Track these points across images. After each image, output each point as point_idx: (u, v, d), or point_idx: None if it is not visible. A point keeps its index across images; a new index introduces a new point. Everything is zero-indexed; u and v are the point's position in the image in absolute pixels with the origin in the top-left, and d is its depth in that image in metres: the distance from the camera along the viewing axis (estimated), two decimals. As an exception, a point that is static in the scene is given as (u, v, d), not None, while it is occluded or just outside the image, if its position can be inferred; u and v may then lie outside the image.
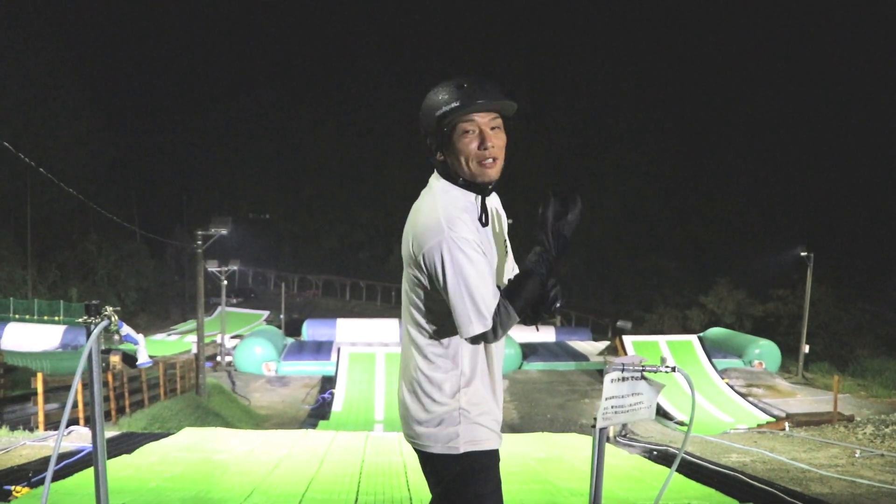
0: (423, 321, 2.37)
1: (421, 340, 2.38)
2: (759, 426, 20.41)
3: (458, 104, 2.28)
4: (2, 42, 45.76)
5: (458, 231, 2.24)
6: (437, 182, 2.43)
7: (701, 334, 34.35)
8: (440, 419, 2.34)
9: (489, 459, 2.42)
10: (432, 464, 2.39)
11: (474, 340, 2.27)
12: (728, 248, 57.90)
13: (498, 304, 2.22)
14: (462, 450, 2.34)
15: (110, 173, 60.78)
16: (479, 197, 2.38)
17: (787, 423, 18.75)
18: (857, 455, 9.18)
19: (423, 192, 2.45)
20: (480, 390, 2.41)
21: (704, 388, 26.23)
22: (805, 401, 25.76)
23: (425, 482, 2.45)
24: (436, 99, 2.32)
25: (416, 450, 2.43)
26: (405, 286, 2.43)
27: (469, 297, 2.20)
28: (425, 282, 2.30)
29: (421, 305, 2.36)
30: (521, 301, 2.24)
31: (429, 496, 2.46)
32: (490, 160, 2.34)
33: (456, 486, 2.35)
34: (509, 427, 22.31)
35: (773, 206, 59.97)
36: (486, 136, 2.33)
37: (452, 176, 2.38)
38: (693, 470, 7.62)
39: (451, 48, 77.37)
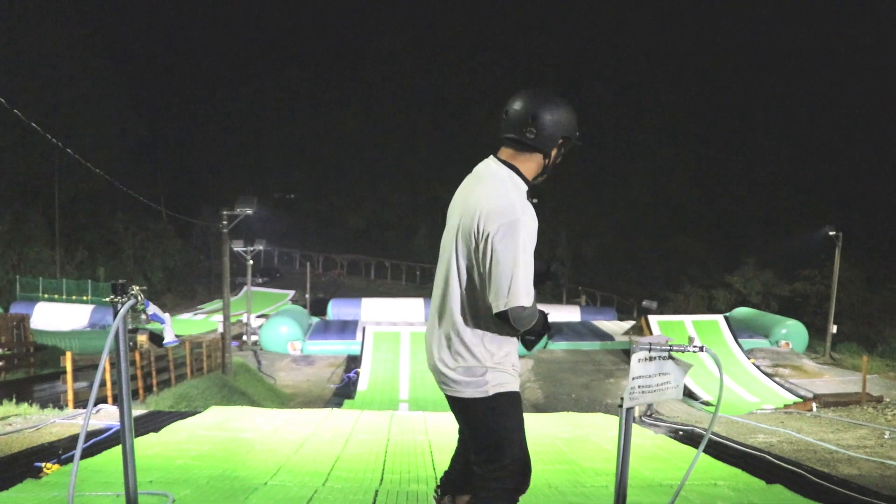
0: (467, 288, 2.78)
1: (462, 304, 2.79)
2: (786, 407, 20.28)
3: (577, 139, 3.00)
4: (30, 21, 46.06)
5: (529, 217, 2.74)
6: (502, 170, 2.89)
7: (727, 314, 34.11)
8: (472, 369, 2.79)
9: (514, 399, 2.89)
10: (464, 406, 2.86)
11: (502, 316, 2.65)
12: (755, 228, 57.38)
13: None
14: (491, 393, 2.81)
15: (137, 153, 61.12)
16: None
17: (814, 404, 18.60)
18: (886, 436, 9.07)
19: (486, 176, 2.91)
20: (504, 345, 2.85)
21: (731, 368, 26.08)
22: (832, 381, 25.52)
23: (450, 461, 2.95)
24: (569, 118, 2.91)
25: (448, 395, 2.88)
26: (454, 255, 2.84)
27: (525, 274, 2.64)
28: (483, 253, 2.67)
29: (472, 275, 2.76)
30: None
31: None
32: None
33: (488, 422, 2.83)
34: (533, 407, 22.32)
35: (802, 185, 59.27)
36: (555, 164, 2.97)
37: (520, 172, 2.90)
38: (719, 450, 7.57)
39: (480, 25, 76.92)
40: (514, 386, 2.90)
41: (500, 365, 2.83)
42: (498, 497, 2.84)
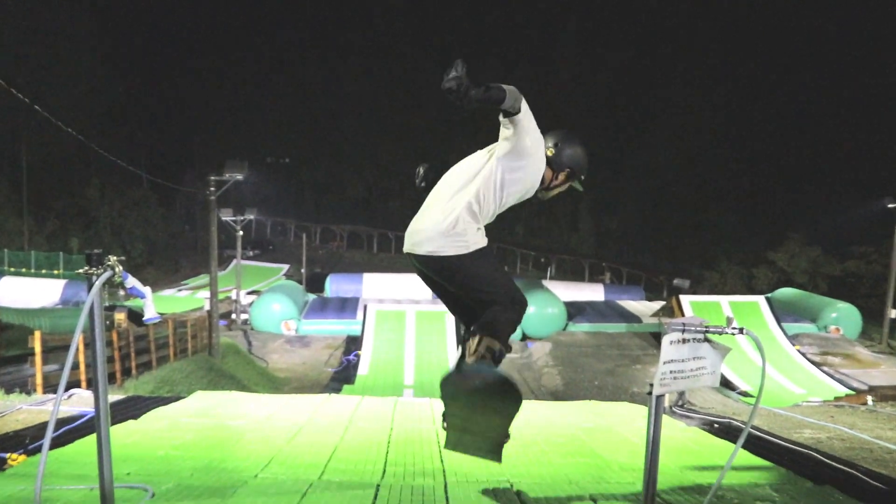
0: (480, 195, 3.93)
1: (471, 203, 3.93)
2: (836, 399, 20.24)
3: (581, 181, 4.28)
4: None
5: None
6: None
7: (769, 295, 33.94)
8: (460, 236, 3.92)
9: (489, 249, 4.02)
10: (449, 264, 3.97)
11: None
12: (801, 199, 56.98)
13: None
14: (471, 248, 3.93)
15: (115, 113, 61.02)
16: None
17: (869, 397, 18.56)
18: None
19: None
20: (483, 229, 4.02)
21: (773, 355, 26.03)
22: (890, 372, 25.37)
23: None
24: (583, 157, 4.23)
25: (433, 258, 4.01)
26: (485, 167, 3.97)
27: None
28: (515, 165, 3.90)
29: (491, 188, 3.94)
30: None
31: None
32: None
33: (474, 269, 3.95)
34: (552, 394, 22.36)
35: (856, 149, 58.60)
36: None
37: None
38: (760, 446, 7.54)
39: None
40: (486, 242, 4.04)
41: (480, 233, 4.00)
42: (507, 308, 3.99)
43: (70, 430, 7.05)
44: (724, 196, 61.32)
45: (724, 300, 32.17)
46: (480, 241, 3.96)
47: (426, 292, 37.35)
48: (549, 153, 4.06)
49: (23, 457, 5.89)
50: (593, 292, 41.35)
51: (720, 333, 3.80)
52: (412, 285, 38.16)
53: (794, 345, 27.74)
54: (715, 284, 45.77)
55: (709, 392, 19.88)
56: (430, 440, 7.41)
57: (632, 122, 68.69)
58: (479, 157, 4.09)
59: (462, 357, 4.17)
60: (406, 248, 4.25)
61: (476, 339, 4.01)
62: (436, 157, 75.06)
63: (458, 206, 3.95)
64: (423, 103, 77.31)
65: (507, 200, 3.99)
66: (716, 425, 9.15)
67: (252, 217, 41.18)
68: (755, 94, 64.45)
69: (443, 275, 4.09)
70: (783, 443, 7.89)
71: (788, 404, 16.26)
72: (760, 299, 31.81)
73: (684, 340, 3.79)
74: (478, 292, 4.02)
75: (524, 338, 30.62)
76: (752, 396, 21.26)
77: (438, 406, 9.62)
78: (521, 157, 3.87)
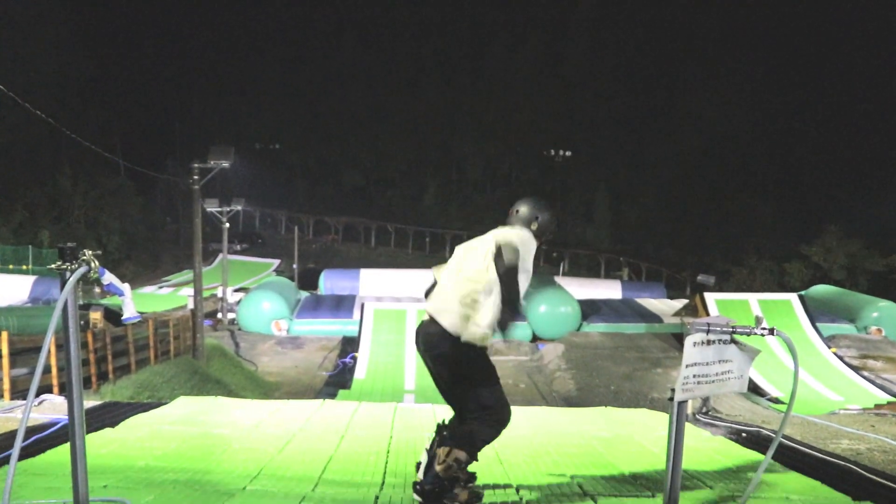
0: (488, 280, 4.98)
1: (480, 292, 4.97)
2: (877, 407, 20.14)
3: (553, 234, 5.69)
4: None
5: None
6: (524, 232, 5.35)
7: (803, 293, 33.89)
8: (478, 327, 4.90)
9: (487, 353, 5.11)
10: (460, 345, 4.88)
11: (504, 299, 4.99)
12: (840, 188, 56.73)
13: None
14: (480, 344, 4.91)
15: (88, 94, 60.90)
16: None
17: (914, 405, 18.46)
18: None
19: (509, 228, 5.43)
20: (494, 323, 4.97)
21: (807, 358, 25.97)
22: (939, 378, 25.32)
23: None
24: (554, 221, 5.60)
25: (450, 334, 4.93)
26: (487, 258, 5.10)
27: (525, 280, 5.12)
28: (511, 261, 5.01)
29: (494, 274, 5.01)
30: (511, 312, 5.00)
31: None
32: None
33: (478, 359, 5.00)
34: (565, 400, 22.36)
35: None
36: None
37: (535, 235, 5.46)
38: (793, 458, 7.53)
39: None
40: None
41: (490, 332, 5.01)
42: (489, 427, 5.01)
43: (41, 439, 7.07)
44: (753, 184, 61.20)
45: (752, 298, 32.14)
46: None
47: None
48: (534, 227, 5.42)
49: (-10, 468, 5.88)
50: (610, 289, 41.29)
51: (748, 334, 3.80)
52: (413, 282, 38.12)
53: (830, 347, 27.63)
54: (743, 281, 45.72)
55: (736, 398, 19.86)
56: (432, 450, 7.41)
57: (653, 103, 68.53)
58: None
59: (430, 464, 4.99)
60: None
61: (446, 451, 4.86)
62: (438, 141, 74.94)
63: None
64: (426, 83, 77.25)
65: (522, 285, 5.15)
66: (744, 434, 9.14)
67: (239, 208, 41.19)
68: (789, 71, 64.18)
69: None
70: (818, 454, 7.88)
71: (824, 412, 16.21)
72: (793, 297, 31.73)
73: (709, 342, 3.79)
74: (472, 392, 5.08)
75: (534, 339, 30.64)
76: (783, 403, 21.22)
77: (441, 412, 9.63)
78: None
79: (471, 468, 5.13)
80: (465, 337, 4.87)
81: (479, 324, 4.87)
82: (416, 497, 5.02)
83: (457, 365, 4.98)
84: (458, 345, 4.89)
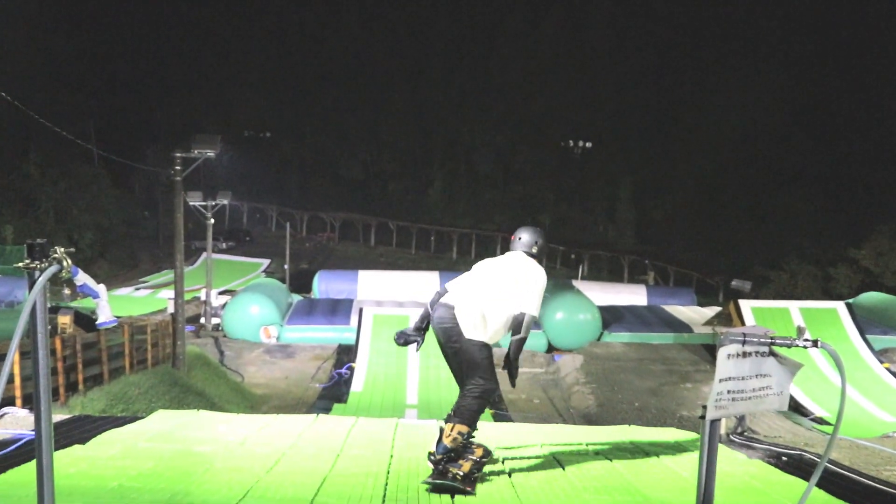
0: (503, 300, 6.97)
1: (497, 306, 6.96)
2: (937, 429, 20.08)
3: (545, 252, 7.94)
4: None
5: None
6: (529, 260, 7.32)
7: (850, 301, 33.77)
8: (486, 331, 6.91)
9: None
10: (471, 343, 6.82)
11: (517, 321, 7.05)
12: (893, 182, 56.43)
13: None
14: (485, 340, 6.87)
15: (59, 75, 60.84)
16: None
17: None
18: None
19: (523, 260, 7.32)
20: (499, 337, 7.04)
21: (855, 373, 25.80)
22: None
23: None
24: (546, 244, 7.80)
25: (465, 335, 6.85)
26: (503, 290, 7.06)
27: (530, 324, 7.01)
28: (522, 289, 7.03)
29: (512, 303, 6.97)
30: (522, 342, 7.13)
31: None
32: None
33: (480, 353, 6.83)
34: (583, 417, 22.37)
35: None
36: None
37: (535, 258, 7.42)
38: (840, 485, 7.48)
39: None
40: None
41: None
42: (476, 396, 6.80)
43: (2, 457, 7.05)
44: (795, 179, 60.87)
45: (794, 306, 32.00)
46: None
47: (432, 293, 37.36)
48: (534, 250, 7.46)
49: (-53, 488, 5.88)
50: (634, 295, 41.24)
51: (789, 346, 3.78)
52: (417, 285, 38.15)
53: (881, 361, 27.43)
54: (783, 287, 45.60)
55: (775, 418, 19.80)
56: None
57: (683, 88, 68.38)
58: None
59: (440, 439, 6.74)
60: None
61: (451, 426, 6.69)
62: (444, 130, 74.89)
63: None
64: (432, 65, 77.18)
65: None
66: (784, 458, 9.11)
67: (225, 202, 41.22)
68: (834, 53, 63.84)
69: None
70: (868, 482, 7.83)
71: (875, 435, 16.12)
72: (839, 305, 31.61)
73: (745, 354, 3.77)
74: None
75: (550, 349, 30.61)
76: (829, 424, 21.15)
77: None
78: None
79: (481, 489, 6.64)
80: (473, 331, 6.94)
81: (486, 329, 6.96)
82: (429, 465, 6.76)
83: (467, 356, 6.94)
84: (471, 342, 6.91)
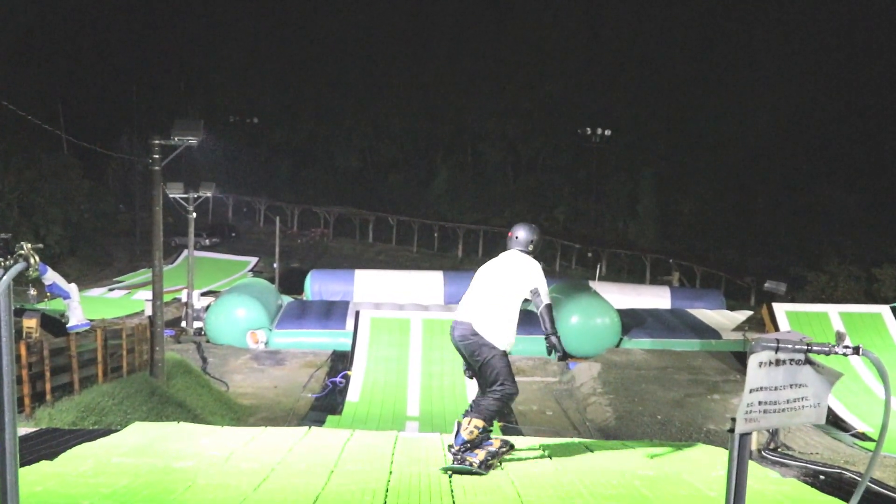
0: (512, 303, 8.44)
1: (508, 310, 8.42)
2: None
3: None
4: None
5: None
6: (525, 257, 8.72)
7: (896, 304, 33.79)
8: (502, 339, 8.39)
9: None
10: (488, 349, 8.27)
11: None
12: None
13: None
14: (505, 349, 8.39)
15: (22, 52, 60.75)
16: None
17: None
18: None
19: (519, 258, 8.74)
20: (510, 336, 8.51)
21: (900, 383, 25.80)
22: None
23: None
24: (541, 240, 9.01)
25: (479, 339, 8.30)
26: (514, 293, 8.50)
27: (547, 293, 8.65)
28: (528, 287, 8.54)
29: (516, 298, 8.46)
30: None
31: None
32: None
33: (501, 361, 8.30)
34: (601, 431, 22.38)
35: None
36: None
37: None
38: (881, 505, 7.49)
39: None
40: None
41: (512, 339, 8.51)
42: (497, 398, 8.17)
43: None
44: (836, 170, 60.70)
45: (833, 309, 31.94)
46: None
47: (436, 295, 37.41)
48: (531, 248, 8.75)
49: None
50: (657, 297, 41.21)
51: (827, 354, 3.77)
52: (419, 285, 38.21)
53: (930, 371, 27.44)
54: (821, 289, 45.50)
55: (812, 432, 19.83)
56: (441, 489, 7.41)
57: (712, 71, 68.20)
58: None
59: (458, 432, 8.07)
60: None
61: (469, 420, 8.06)
62: (450, 116, 74.82)
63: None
64: (437, 46, 77.06)
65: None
66: (822, 477, 9.12)
67: (209, 194, 41.17)
68: (878, 32, 63.63)
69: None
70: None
71: (922, 451, 16.16)
72: (884, 309, 31.55)
73: (778, 362, 3.77)
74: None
75: (564, 356, 30.54)
76: (871, 440, 21.17)
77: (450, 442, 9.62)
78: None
79: None
80: (492, 341, 8.28)
81: (503, 336, 8.33)
82: (448, 455, 8.18)
83: (489, 367, 8.28)
84: (486, 343, 8.26)
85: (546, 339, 8.46)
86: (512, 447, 8.88)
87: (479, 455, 7.98)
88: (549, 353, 8.61)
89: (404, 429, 19.76)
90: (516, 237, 8.79)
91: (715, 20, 69.46)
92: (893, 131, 60.95)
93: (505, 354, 8.39)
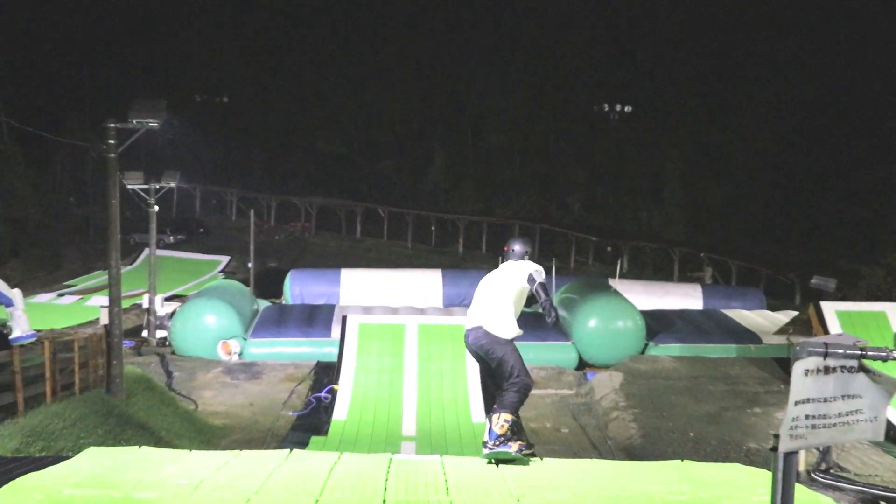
0: (509, 293, 10.80)
1: (506, 301, 10.75)
2: None
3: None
4: None
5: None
6: (524, 261, 11.04)
7: (964, 303, 33.75)
8: (508, 330, 10.76)
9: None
10: (497, 341, 10.55)
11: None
12: None
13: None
14: (511, 337, 10.75)
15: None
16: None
17: None
18: None
19: (518, 262, 11.10)
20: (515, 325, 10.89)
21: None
22: None
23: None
24: (533, 247, 11.74)
25: (490, 337, 10.63)
26: (510, 288, 10.82)
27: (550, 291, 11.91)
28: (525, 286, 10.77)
29: (519, 296, 10.90)
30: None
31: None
32: None
33: (513, 356, 10.54)
34: (624, 450, 22.39)
35: None
36: None
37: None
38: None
39: None
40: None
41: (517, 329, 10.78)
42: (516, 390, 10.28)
43: None
44: (892, 150, 60.77)
45: (892, 309, 31.94)
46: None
47: (433, 296, 37.39)
48: (526, 257, 10.75)
49: None
50: (687, 297, 41.19)
51: (885, 360, 3.75)
52: (415, 286, 38.21)
53: None
54: (877, 286, 45.40)
55: (869, 450, 19.79)
56: (441, 520, 7.39)
57: (747, 38, 68.27)
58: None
59: (490, 428, 9.81)
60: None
61: (497, 416, 9.87)
62: (447, 95, 74.92)
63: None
64: (432, 14, 77.12)
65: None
66: (882, 503, 9.11)
67: (173, 185, 41.19)
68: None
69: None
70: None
71: None
72: (951, 309, 31.59)
73: (828, 370, 3.75)
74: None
75: (582, 365, 30.58)
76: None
77: (453, 467, 9.64)
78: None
79: None
80: (500, 334, 10.36)
81: (507, 325, 10.43)
82: (484, 451, 9.81)
83: (504, 362, 10.28)
84: (497, 339, 10.34)
85: (542, 307, 10.16)
86: (532, 446, 10.40)
87: (513, 447, 9.72)
88: (546, 318, 10.15)
89: (399, 450, 19.78)
90: (513, 250, 11.01)
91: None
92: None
93: (515, 348, 10.42)
